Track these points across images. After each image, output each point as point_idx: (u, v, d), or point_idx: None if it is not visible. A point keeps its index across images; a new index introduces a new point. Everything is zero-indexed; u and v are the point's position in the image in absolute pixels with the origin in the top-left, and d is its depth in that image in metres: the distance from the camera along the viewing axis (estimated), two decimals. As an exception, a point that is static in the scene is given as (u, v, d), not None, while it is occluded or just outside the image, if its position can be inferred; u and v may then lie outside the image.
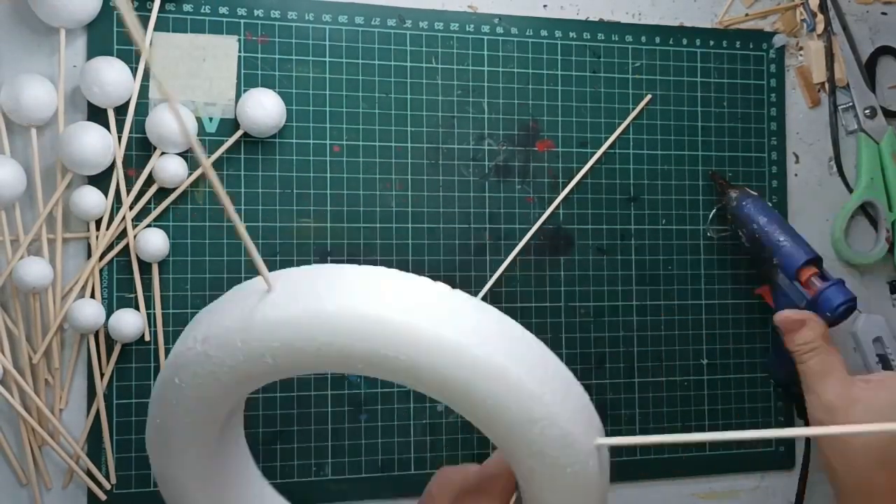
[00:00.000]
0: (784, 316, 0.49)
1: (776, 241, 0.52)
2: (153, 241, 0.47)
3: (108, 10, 0.48)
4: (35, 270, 0.45)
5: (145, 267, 0.48)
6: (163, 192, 0.49)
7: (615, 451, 0.55)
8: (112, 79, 0.46)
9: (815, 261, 0.51)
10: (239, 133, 0.49)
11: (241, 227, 0.32)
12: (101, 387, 0.47)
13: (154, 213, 0.48)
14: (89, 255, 0.48)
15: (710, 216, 0.58)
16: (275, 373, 0.35)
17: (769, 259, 0.53)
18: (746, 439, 0.57)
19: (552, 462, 0.34)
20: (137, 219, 0.48)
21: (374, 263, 0.51)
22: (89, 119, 0.48)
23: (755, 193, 0.55)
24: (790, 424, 0.59)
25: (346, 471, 0.51)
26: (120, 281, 0.48)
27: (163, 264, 0.49)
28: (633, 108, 0.56)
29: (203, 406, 0.36)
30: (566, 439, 0.33)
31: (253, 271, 0.50)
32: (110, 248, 0.48)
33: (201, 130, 0.50)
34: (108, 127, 0.47)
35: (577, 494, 0.35)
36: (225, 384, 0.34)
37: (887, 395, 0.45)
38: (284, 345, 0.33)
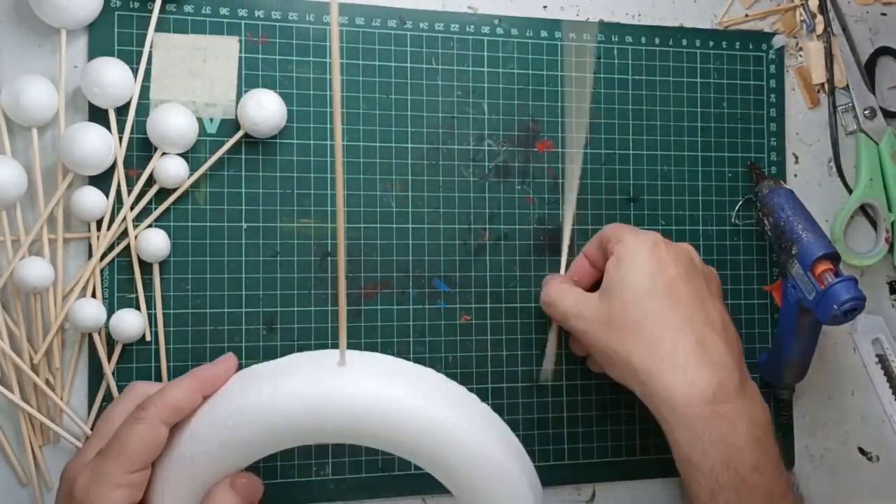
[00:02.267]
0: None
1: (799, 232, 0.53)
2: (154, 242, 0.47)
3: (109, 11, 0.49)
4: (36, 270, 0.45)
5: (146, 267, 0.48)
6: (164, 193, 0.49)
7: (617, 450, 0.55)
8: (113, 79, 0.46)
9: (833, 257, 0.52)
10: (240, 134, 0.50)
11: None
12: (104, 386, 0.48)
13: (155, 214, 0.48)
14: (90, 256, 0.48)
15: (738, 205, 0.58)
16: (325, 437, 0.39)
17: (788, 249, 0.53)
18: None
19: None
20: (138, 219, 0.48)
21: (374, 264, 0.52)
22: (90, 119, 0.48)
23: (787, 187, 0.56)
24: (789, 424, 0.59)
25: (347, 470, 0.51)
26: (121, 281, 0.48)
27: (164, 264, 0.49)
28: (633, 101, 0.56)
29: (246, 451, 0.39)
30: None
31: (252, 271, 0.50)
32: (111, 248, 0.48)
33: (202, 131, 0.50)
34: (108, 127, 0.47)
35: None
36: (278, 436, 0.38)
37: (620, 273, 0.47)
38: (351, 418, 0.38)
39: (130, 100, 0.48)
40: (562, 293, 0.50)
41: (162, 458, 0.39)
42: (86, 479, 0.38)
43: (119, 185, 0.48)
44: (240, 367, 0.49)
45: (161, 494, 0.39)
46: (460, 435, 0.39)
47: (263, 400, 0.38)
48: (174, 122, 0.47)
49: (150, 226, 0.48)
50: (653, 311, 0.45)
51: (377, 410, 0.38)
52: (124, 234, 0.48)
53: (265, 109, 0.48)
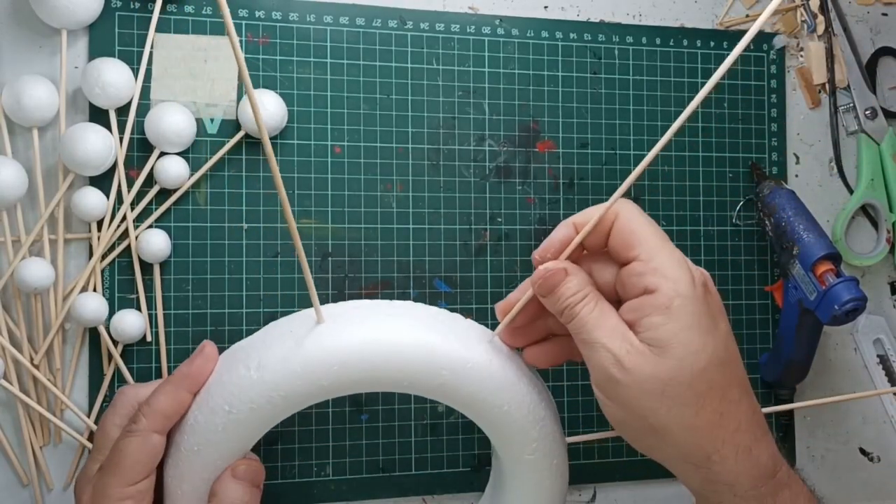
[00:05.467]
0: (544, 268, 0.38)
1: (800, 232, 0.53)
2: (155, 242, 0.47)
3: (109, 12, 0.48)
4: (36, 271, 0.45)
5: (147, 268, 0.48)
6: (164, 193, 0.49)
7: (617, 451, 0.55)
8: (113, 79, 0.46)
9: (834, 257, 0.52)
10: (240, 134, 0.50)
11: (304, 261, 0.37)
12: (105, 385, 0.48)
13: (155, 214, 0.48)
14: (90, 256, 0.48)
15: (739, 206, 0.58)
16: (325, 394, 0.39)
17: (789, 249, 0.53)
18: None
19: (543, 454, 0.42)
20: (139, 219, 0.48)
21: (375, 264, 0.52)
22: (91, 120, 0.48)
23: (789, 187, 0.56)
24: (790, 425, 0.59)
25: (347, 471, 0.51)
26: (121, 281, 0.48)
27: (164, 265, 0.49)
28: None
29: (250, 429, 0.39)
30: (555, 435, 0.42)
31: (252, 272, 0.50)
32: (112, 248, 0.48)
33: (202, 132, 0.50)
34: (109, 128, 0.47)
35: (557, 480, 0.43)
36: (277, 407, 0.38)
37: (677, 326, 0.35)
38: (343, 369, 0.38)
39: (131, 100, 0.48)
40: (606, 324, 0.36)
41: (170, 457, 0.40)
42: (89, 496, 0.39)
43: (120, 186, 0.48)
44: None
45: (179, 492, 0.39)
46: (451, 353, 0.39)
47: (253, 376, 0.38)
48: (171, 121, 0.47)
49: (150, 226, 0.48)
50: (717, 381, 0.36)
51: (362, 355, 0.38)
52: (125, 234, 0.48)
53: (265, 110, 0.48)
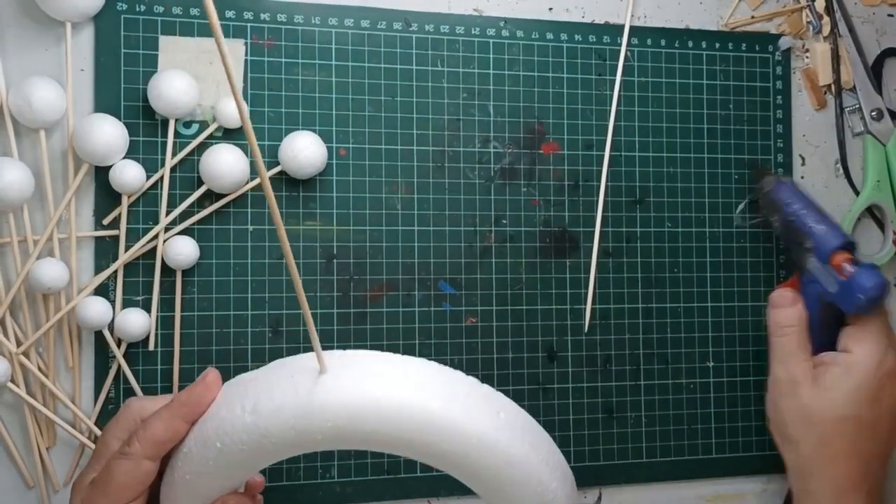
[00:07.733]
0: (779, 292, 0.53)
1: (811, 225, 0.51)
2: (181, 247, 0.48)
3: (114, 13, 0.48)
4: (51, 271, 0.45)
5: (161, 271, 0.48)
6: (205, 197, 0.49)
7: (623, 453, 0.55)
8: (178, 90, 0.47)
9: (850, 246, 0.51)
10: (277, 169, 0.49)
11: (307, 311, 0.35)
12: (106, 387, 0.48)
13: (184, 224, 0.48)
14: (97, 257, 0.48)
15: (742, 206, 0.58)
16: (319, 447, 0.38)
17: (802, 244, 0.52)
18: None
19: None
20: (144, 222, 0.48)
21: (380, 266, 0.52)
22: (151, 124, 0.48)
23: (790, 179, 0.55)
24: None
25: (352, 473, 0.51)
26: (128, 283, 0.48)
27: (167, 268, 0.49)
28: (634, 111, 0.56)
29: (241, 468, 0.39)
30: None
31: (257, 274, 0.50)
32: (122, 249, 0.48)
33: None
34: (165, 136, 0.48)
35: None
36: (268, 451, 0.38)
37: (854, 360, 0.50)
38: (337, 427, 0.37)
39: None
40: (797, 356, 0.51)
41: (166, 479, 0.40)
42: None
43: (161, 202, 0.48)
44: (244, 371, 0.49)
45: None
46: (456, 427, 0.37)
47: (247, 419, 0.37)
48: (225, 161, 0.47)
49: (178, 233, 0.49)
50: (841, 450, 0.49)
51: (361, 418, 0.37)
52: (133, 238, 0.48)
53: (307, 150, 0.49)
